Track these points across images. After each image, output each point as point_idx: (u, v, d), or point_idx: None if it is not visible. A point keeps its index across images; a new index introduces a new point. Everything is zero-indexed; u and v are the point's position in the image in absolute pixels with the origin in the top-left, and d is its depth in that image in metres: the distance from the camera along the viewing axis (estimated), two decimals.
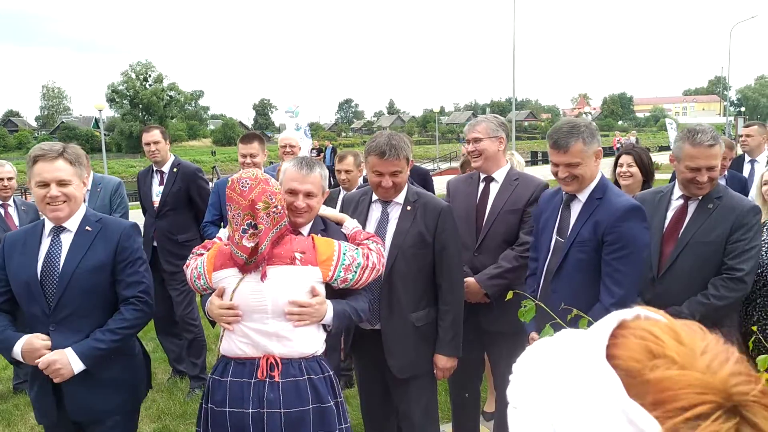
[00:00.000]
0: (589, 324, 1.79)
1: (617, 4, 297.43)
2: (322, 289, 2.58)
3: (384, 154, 2.92)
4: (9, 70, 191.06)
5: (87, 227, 2.72)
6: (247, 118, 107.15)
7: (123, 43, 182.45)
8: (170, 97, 70.58)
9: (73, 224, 2.71)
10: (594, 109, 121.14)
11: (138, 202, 5.60)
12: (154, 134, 5.15)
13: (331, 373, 2.62)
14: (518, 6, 30.42)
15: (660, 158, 29.49)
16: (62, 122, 78.12)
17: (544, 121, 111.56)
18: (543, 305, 2.17)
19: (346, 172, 4.83)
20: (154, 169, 5.26)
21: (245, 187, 2.49)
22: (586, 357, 0.67)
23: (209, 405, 2.55)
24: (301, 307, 2.49)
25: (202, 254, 2.75)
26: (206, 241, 2.91)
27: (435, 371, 3.12)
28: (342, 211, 3.19)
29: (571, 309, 2.01)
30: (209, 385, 2.59)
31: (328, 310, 2.57)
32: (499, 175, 3.55)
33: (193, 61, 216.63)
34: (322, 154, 21.08)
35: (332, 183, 6.22)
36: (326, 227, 2.86)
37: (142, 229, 5.35)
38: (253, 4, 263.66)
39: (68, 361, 2.56)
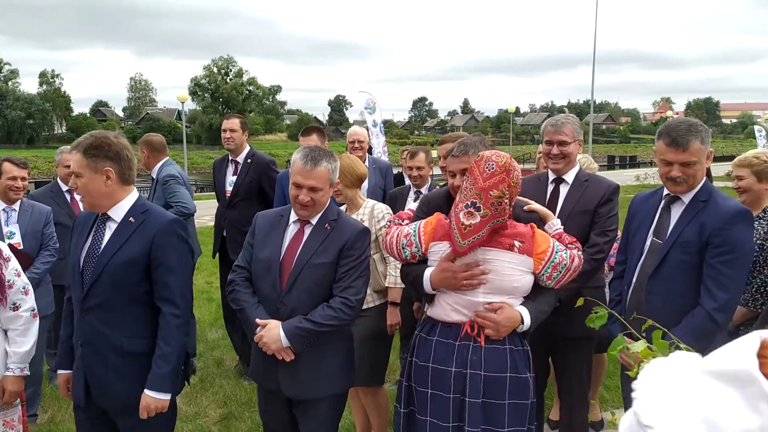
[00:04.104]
0: (665, 336, 1.70)
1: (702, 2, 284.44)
2: (528, 280, 2.60)
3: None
4: (99, 63, 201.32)
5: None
6: (323, 114, 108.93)
7: (208, 38, 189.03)
8: (249, 91, 72.55)
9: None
10: (677, 113, 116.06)
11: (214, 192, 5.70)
12: (233, 122, 5.22)
13: (528, 348, 2.70)
14: (600, 5, 29.53)
15: None
16: (147, 113, 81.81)
17: (622, 125, 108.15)
18: (615, 313, 2.07)
19: (418, 168, 4.67)
20: (230, 158, 5.31)
21: (490, 169, 2.50)
22: (738, 377, 0.69)
23: (414, 359, 2.74)
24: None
25: (400, 224, 2.84)
26: (401, 212, 2.95)
27: None
28: None
29: (645, 319, 1.91)
30: (415, 342, 2.77)
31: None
32: (570, 176, 3.45)
33: (272, 56, 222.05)
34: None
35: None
36: (338, 217, 2.89)
37: (213, 219, 5.51)
38: (332, 2, 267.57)
39: None
